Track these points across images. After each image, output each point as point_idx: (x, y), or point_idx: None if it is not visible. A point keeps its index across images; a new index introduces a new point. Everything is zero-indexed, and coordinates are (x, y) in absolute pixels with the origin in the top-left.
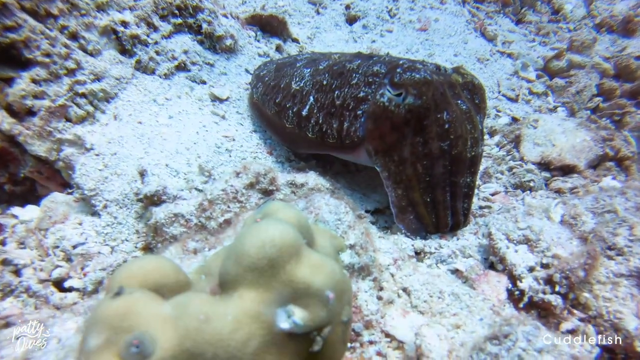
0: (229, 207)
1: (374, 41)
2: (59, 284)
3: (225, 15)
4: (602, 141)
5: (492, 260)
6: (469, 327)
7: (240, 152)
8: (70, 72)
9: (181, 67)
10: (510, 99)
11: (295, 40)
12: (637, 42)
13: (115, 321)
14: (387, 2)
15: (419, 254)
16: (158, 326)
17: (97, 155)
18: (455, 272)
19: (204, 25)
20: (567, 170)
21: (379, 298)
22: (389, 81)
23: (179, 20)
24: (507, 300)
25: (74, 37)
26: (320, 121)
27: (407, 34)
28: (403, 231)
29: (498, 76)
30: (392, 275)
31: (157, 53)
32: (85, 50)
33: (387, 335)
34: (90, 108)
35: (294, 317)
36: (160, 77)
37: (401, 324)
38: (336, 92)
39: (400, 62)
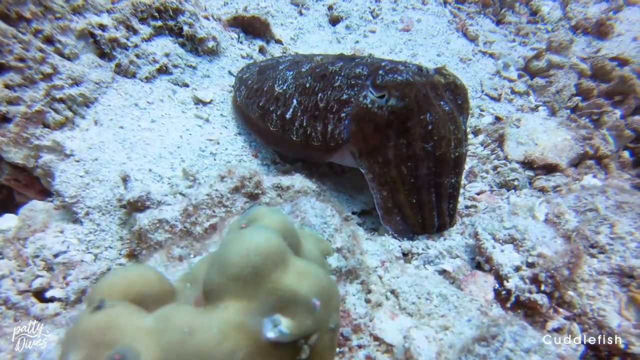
0: (214, 211)
1: (357, 42)
2: (40, 295)
3: (206, 17)
4: (582, 140)
5: (479, 261)
6: (457, 329)
7: (225, 156)
8: (47, 77)
9: (163, 70)
10: (493, 98)
11: (278, 42)
12: (611, 44)
13: (96, 336)
14: (369, 2)
15: (406, 255)
16: (141, 340)
17: (77, 161)
18: (443, 272)
19: (185, 28)
20: (549, 168)
21: (367, 301)
22: (371, 83)
23: (159, 23)
24: (495, 300)
25: (49, 41)
26: (305, 124)
27: (390, 34)
28: (390, 232)
29: (481, 76)
30: (380, 278)
31: (138, 56)
32: (61, 55)
33: (376, 338)
34: (69, 113)
35: (280, 326)
36: (141, 80)
37: (390, 327)
38: (319, 95)
39: (382, 63)
